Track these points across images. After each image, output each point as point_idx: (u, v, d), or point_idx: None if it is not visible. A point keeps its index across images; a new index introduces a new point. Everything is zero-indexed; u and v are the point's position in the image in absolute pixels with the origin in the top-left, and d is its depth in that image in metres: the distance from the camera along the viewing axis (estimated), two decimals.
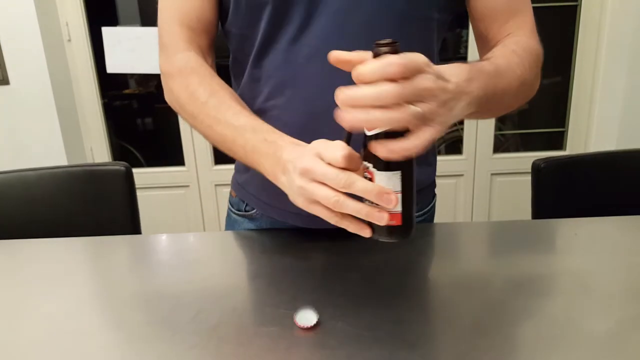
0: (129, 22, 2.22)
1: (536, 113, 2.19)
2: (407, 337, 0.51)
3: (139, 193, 1.03)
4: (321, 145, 0.48)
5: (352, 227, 0.47)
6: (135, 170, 1.03)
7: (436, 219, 0.86)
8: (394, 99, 0.42)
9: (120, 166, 0.99)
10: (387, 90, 0.42)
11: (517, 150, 2.20)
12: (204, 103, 0.61)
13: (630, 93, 1.93)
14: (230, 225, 0.86)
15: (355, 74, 0.44)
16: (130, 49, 1.91)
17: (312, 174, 0.46)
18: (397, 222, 0.47)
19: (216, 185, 2.20)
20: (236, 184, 0.83)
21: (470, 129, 2.10)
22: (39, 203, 1.00)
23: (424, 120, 0.43)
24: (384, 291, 0.60)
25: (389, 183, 0.45)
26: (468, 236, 0.79)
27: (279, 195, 0.74)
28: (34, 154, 1.97)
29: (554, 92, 2.14)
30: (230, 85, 0.78)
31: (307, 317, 0.54)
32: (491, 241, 0.78)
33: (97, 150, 2.21)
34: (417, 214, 0.81)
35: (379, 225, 0.46)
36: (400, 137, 0.44)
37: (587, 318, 0.51)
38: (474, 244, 0.77)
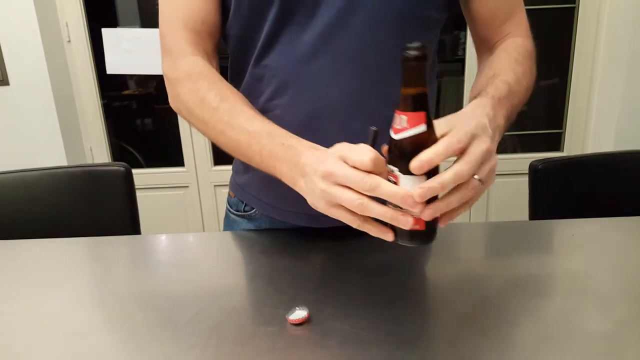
0: (128, 23, 2.22)
1: (534, 114, 2.20)
2: (406, 337, 0.51)
3: (138, 193, 1.03)
4: (345, 148, 0.48)
5: (374, 231, 0.47)
6: (134, 171, 1.03)
7: None
8: (468, 177, 0.45)
9: (119, 167, 0.99)
10: (462, 172, 0.45)
11: (514, 151, 2.20)
12: (216, 108, 0.61)
13: (627, 94, 1.94)
14: (229, 225, 0.86)
15: (426, 162, 0.45)
16: (130, 50, 1.91)
17: (335, 177, 0.46)
18: (420, 226, 0.47)
19: (215, 185, 2.20)
20: (235, 185, 0.83)
21: None
22: (39, 203, 1.00)
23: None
24: (383, 291, 0.60)
25: (413, 187, 0.45)
26: (466, 237, 0.80)
27: (280, 195, 0.75)
28: (34, 155, 1.98)
29: (552, 94, 2.14)
30: None
31: (298, 313, 0.55)
32: (489, 242, 0.79)
33: (97, 150, 2.21)
34: None
35: (402, 230, 0.46)
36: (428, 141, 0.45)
37: (585, 318, 0.51)
38: (472, 244, 0.78)
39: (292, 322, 0.54)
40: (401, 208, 0.45)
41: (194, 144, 2.15)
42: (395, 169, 0.46)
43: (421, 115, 0.45)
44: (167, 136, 2.20)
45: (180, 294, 0.62)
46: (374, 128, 0.49)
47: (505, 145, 2.26)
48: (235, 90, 0.64)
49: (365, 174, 0.45)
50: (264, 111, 0.69)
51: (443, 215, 0.47)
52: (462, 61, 2.04)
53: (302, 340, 0.51)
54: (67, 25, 2.02)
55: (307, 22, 0.63)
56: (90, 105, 2.14)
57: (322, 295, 0.59)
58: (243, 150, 0.59)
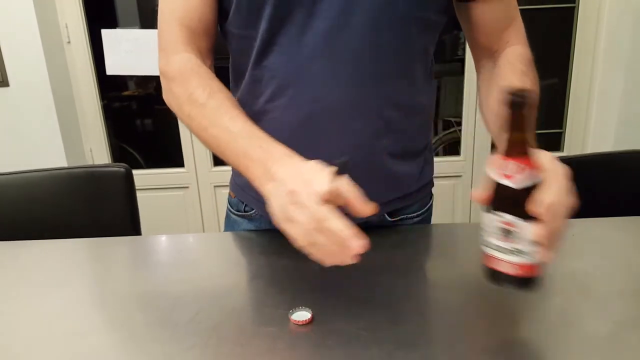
0: (128, 24, 2.22)
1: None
2: (406, 337, 0.51)
3: (138, 194, 1.03)
4: (311, 172, 0.49)
5: (314, 256, 0.49)
6: (134, 172, 1.03)
7: (434, 220, 0.87)
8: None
9: (120, 167, 0.99)
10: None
11: None
12: (202, 105, 0.62)
13: (627, 94, 1.94)
14: (229, 225, 0.86)
15: (560, 206, 0.45)
16: (130, 51, 1.91)
17: (296, 198, 0.48)
18: (532, 273, 0.47)
19: (215, 186, 2.20)
20: (235, 185, 0.83)
21: (468, 130, 2.10)
22: (39, 204, 1.00)
23: None
24: (383, 291, 0.60)
25: (532, 231, 0.45)
26: (466, 237, 0.80)
27: None
28: (34, 156, 1.98)
29: (552, 94, 2.14)
30: (229, 87, 0.78)
31: (302, 314, 0.55)
32: None
33: (97, 151, 2.21)
34: (415, 213, 0.81)
35: (510, 275, 0.47)
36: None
37: (585, 318, 0.51)
38: (472, 244, 0.77)
39: (295, 322, 0.54)
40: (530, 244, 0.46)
41: (193, 145, 2.15)
42: (509, 216, 0.45)
43: (532, 159, 0.45)
44: (167, 137, 2.20)
45: (180, 295, 0.62)
46: (344, 159, 0.50)
47: None
48: (224, 88, 0.65)
49: (320, 205, 0.46)
50: (264, 112, 0.69)
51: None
52: (462, 61, 2.04)
53: (303, 340, 0.51)
54: (66, 27, 2.02)
55: (305, 23, 0.63)
56: (90, 106, 2.14)
57: (323, 296, 0.59)
58: (222, 148, 0.60)
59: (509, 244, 0.46)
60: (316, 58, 0.64)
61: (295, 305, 0.56)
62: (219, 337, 0.52)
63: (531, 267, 0.46)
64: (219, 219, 2.25)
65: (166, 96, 0.69)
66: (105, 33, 1.91)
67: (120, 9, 2.20)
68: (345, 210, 0.73)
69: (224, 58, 0.78)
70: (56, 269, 0.72)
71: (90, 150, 2.20)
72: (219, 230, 1.97)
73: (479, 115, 2.08)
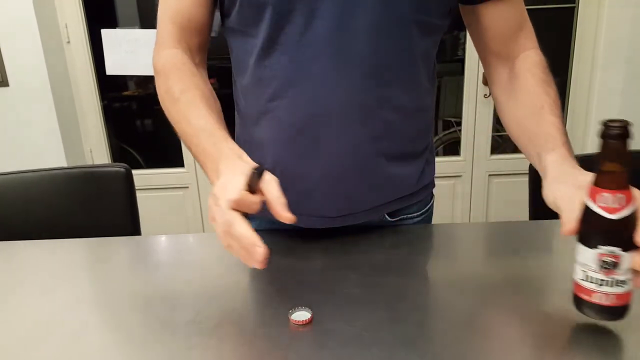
0: (128, 24, 2.22)
1: None
2: (406, 337, 0.51)
3: (138, 194, 1.03)
4: (230, 176, 0.53)
5: (234, 254, 0.52)
6: (134, 172, 1.03)
7: (434, 220, 0.87)
8: None
9: (120, 167, 0.99)
10: None
11: (514, 151, 2.20)
12: (177, 100, 0.65)
13: (627, 94, 1.94)
14: None
15: None
16: (130, 51, 1.91)
17: (217, 201, 0.51)
18: (627, 301, 0.47)
19: None
20: None
21: (468, 130, 2.11)
22: (39, 204, 1.00)
23: None
24: (383, 291, 0.60)
25: (630, 262, 0.45)
26: (466, 237, 0.80)
27: (285, 183, 0.75)
28: (34, 156, 1.98)
29: None
30: (231, 87, 0.78)
31: (301, 314, 0.55)
32: (489, 242, 0.79)
33: (97, 151, 2.21)
34: (415, 214, 0.81)
35: (608, 307, 0.47)
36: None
37: (584, 318, 0.51)
38: (472, 244, 0.78)
39: (295, 322, 0.54)
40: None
41: None
42: (611, 248, 0.45)
43: (629, 189, 0.45)
44: (167, 137, 2.19)
45: (180, 295, 0.62)
46: (260, 167, 0.53)
47: (505, 146, 2.26)
48: (201, 84, 0.67)
49: (228, 211, 0.50)
50: (266, 111, 0.70)
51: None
52: (462, 61, 2.04)
53: (303, 340, 0.51)
54: (66, 27, 2.02)
55: (306, 24, 0.63)
56: (90, 106, 2.14)
57: (323, 296, 0.59)
58: (187, 142, 0.63)
59: (609, 276, 0.46)
60: (317, 59, 0.64)
61: (294, 305, 0.56)
62: (219, 337, 0.53)
63: (627, 295, 0.47)
64: None
65: (157, 89, 0.72)
66: (105, 33, 1.91)
67: (120, 9, 2.21)
68: (349, 212, 0.74)
69: (226, 58, 0.78)
70: (56, 269, 0.72)
71: (90, 151, 2.20)
72: None
73: (478, 115, 2.09)
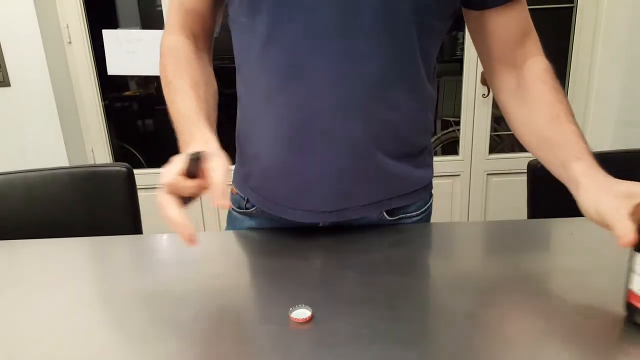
0: (129, 25, 2.22)
1: None
2: (405, 335, 0.51)
3: (139, 193, 1.03)
4: (174, 159, 0.56)
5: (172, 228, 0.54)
6: (135, 171, 1.04)
7: (433, 219, 0.87)
8: None
9: (121, 167, 1.00)
10: None
11: (512, 150, 2.21)
12: (169, 83, 0.69)
13: (625, 94, 1.94)
14: (231, 222, 0.87)
15: None
16: (131, 51, 1.91)
17: (161, 179, 0.55)
18: None
19: None
20: (238, 178, 0.84)
21: (467, 129, 2.11)
22: (41, 204, 1.01)
23: None
24: (382, 290, 0.61)
25: None
26: (464, 236, 0.80)
27: (273, 188, 0.76)
28: (36, 156, 1.98)
29: None
30: (231, 87, 0.79)
31: (301, 312, 0.55)
32: (487, 241, 0.79)
33: (98, 151, 2.21)
34: (414, 213, 0.82)
35: None
36: None
37: (583, 317, 0.52)
38: (470, 243, 0.78)
39: (295, 320, 0.54)
40: None
41: None
42: None
43: None
44: (168, 137, 2.19)
45: (181, 293, 0.62)
46: (195, 156, 0.55)
47: (504, 145, 2.27)
48: (193, 70, 0.70)
49: (162, 193, 0.54)
50: (266, 107, 0.70)
51: None
52: (461, 61, 2.05)
53: (304, 339, 0.52)
54: (67, 27, 2.03)
55: (305, 22, 0.63)
56: (91, 106, 2.14)
57: (323, 294, 0.60)
58: (174, 125, 0.66)
59: None
60: (316, 57, 0.64)
61: (295, 303, 0.57)
62: (220, 335, 0.53)
63: None
64: (220, 217, 2.26)
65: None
66: (106, 33, 1.91)
67: (121, 9, 2.21)
68: (346, 207, 0.75)
69: (226, 58, 0.78)
70: (58, 268, 0.73)
71: (92, 150, 2.20)
72: (220, 229, 1.97)
73: (477, 115, 2.09)
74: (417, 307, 0.57)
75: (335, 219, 0.76)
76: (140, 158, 2.37)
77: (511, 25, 0.70)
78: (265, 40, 0.66)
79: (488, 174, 2.17)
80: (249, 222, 0.83)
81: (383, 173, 0.73)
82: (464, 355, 0.48)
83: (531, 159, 1.02)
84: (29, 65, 1.89)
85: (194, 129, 0.62)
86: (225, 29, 0.77)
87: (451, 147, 2.25)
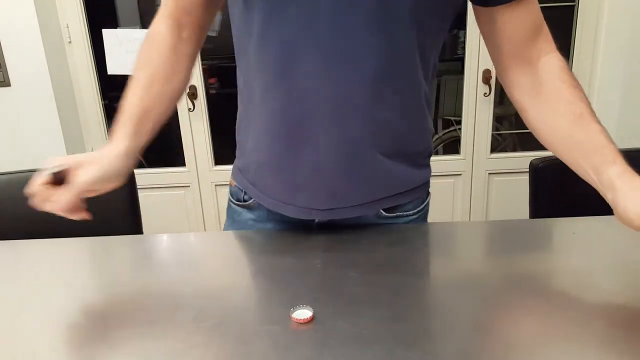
0: (129, 24, 2.22)
1: None
2: (407, 335, 0.51)
3: (139, 193, 1.03)
4: (40, 172, 0.62)
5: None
6: (136, 171, 1.03)
7: (434, 218, 0.87)
8: None
9: None
10: None
11: (514, 149, 2.21)
12: (134, 71, 0.72)
13: (627, 93, 1.94)
14: (230, 215, 0.87)
15: None
16: (131, 51, 1.91)
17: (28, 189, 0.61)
18: None
19: (216, 185, 2.21)
20: (236, 171, 0.84)
21: (468, 129, 2.11)
22: None
23: None
24: (383, 290, 0.61)
25: None
26: (466, 235, 0.80)
27: (269, 184, 0.76)
28: (36, 155, 1.98)
29: None
30: (231, 87, 0.79)
31: (303, 312, 0.55)
32: (489, 240, 0.79)
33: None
34: (412, 211, 0.82)
35: None
36: None
37: (585, 317, 0.52)
38: (472, 243, 0.78)
39: (296, 321, 0.54)
40: None
41: (194, 144, 2.15)
42: None
43: None
44: (168, 136, 2.20)
45: (182, 293, 0.62)
46: (52, 170, 0.62)
47: (505, 144, 2.26)
48: (159, 62, 0.72)
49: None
50: (262, 103, 0.70)
51: None
52: (462, 60, 2.04)
53: (305, 339, 0.52)
54: (67, 27, 2.02)
55: (298, 19, 0.63)
56: (91, 105, 2.15)
57: (324, 294, 0.60)
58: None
59: None
60: (311, 54, 0.64)
61: (296, 303, 0.57)
62: (221, 335, 0.53)
63: None
64: (220, 217, 2.26)
65: None
66: (106, 33, 1.91)
67: (120, 9, 2.21)
68: (340, 206, 0.75)
69: (226, 57, 0.78)
70: (58, 268, 0.73)
71: (92, 150, 2.20)
72: (220, 229, 1.98)
73: (478, 114, 2.09)
74: (419, 307, 0.57)
75: (329, 217, 0.76)
76: (140, 158, 2.37)
77: (522, 21, 0.68)
78: (260, 37, 0.66)
79: (490, 174, 2.17)
80: (247, 215, 0.83)
81: (378, 173, 0.73)
82: (466, 355, 0.48)
83: (533, 158, 1.02)
84: (29, 65, 1.89)
85: (117, 129, 0.68)
86: (227, 28, 0.76)
87: (452, 147, 2.25)
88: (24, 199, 1.03)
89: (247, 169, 0.80)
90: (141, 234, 1.03)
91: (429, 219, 0.87)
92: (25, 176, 1.01)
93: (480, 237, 0.80)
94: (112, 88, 2.23)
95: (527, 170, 1.01)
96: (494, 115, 2.08)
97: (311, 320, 0.54)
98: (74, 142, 2.10)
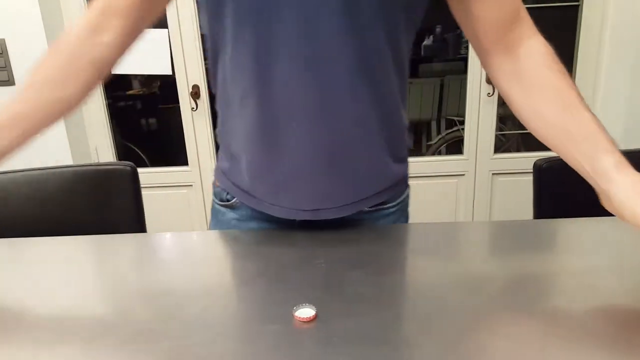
0: None
1: None
2: (410, 335, 0.51)
3: (143, 192, 1.04)
4: None
5: None
6: (139, 170, 1.04)
7: (438, 219, 0.87)
8: None
9: (125, 166, 1.00)
10: None
11: (518, 150, 2.20)
12: (27, 76, 0.70)
13: (633, 93, 1.93)
14: (214, 215, 0.88)
15: None
16: (134, 50, 1.92)
17: None
18: None
19: None
20: (218, 171, 0.84)
21: (471, 129, 2.10)
22: (46, 202, 1.01)
23: None
24: (386, 290, 0.61)
25: None
26: (469, 236, 0.80)
27: (253, 185, 0.76)
28: (40, 154, 1.98)
29: None
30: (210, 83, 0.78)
31: (306, 311, 0.55)
32: (492, 241, 0.79)
33: (102, 150, 2.22)
34: (391, 204, 0.82)
35: None
36: None
37: (588, 318, 0.52)
38: (475, 243, 0.78)
39: (300, 319, 0.54)
40: None
41: (197, 144, 2.15)
42: None
43: None
44: (171, 136, 2.21)
45: (185, 292, 0.62)
46: None
47: (509, 144, 2.26)
48: (57, 66, 0.70)
49: None
50: (238, 108, 0.70)
51: None
52: (465, 60, 2.04)
53: (308, 338, 0.52)
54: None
55: (266, 28, 0.62)
56: (95, 105, 2.15)
57: (327, 294, 0.60)
58: None
59: None
60: (283, 62, 0.63)
61: (299, 302, 0.57)
62: (225, 334, 0.53)
63: None
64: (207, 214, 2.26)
65: None
66: None
67: None
68: (322, 207, 0.75)
69: None
70: (62, 266, 0.73)
71: (96, 149, 2.21)
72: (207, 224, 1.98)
73: (481, 114, 2.09)
74: (422, 307, 0.57)
75: (315, 217, 0.77)
76: (144, 157, 2.38)
77: (498, 6, 0.66)
78: (232, 48, 0.66)
79: (493, 174, 2.16)
80: (230, 214, 0.84)
81: (360, 171, 0.73)
82: (471, 355, 0.48)
83: (537, 158, 1.02)
84: (33, 64, 1.89)
85: None
86: None
87: (456, 147, 2.25)
88: (29, 197, 1.03)
89: (230, 171, 0.81)
90: (145, 232, 1.03)
91: (433, 218, 0.87)
92: (30, 175, 1.02)
93: (484, 238, 0.80)
94: (116, 87, 2.23)
95: (531, 170, 1.01)
96: (497, 115, 2.07)
97: (314, 319, 0.54)
98: (78, 141, 2.10)
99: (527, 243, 0.74)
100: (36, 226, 0.99)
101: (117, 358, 0.50)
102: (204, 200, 2.24)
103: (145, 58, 1.94)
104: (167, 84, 2.08)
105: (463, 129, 2.14)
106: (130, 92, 2.39)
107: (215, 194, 0.87)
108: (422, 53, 2.49)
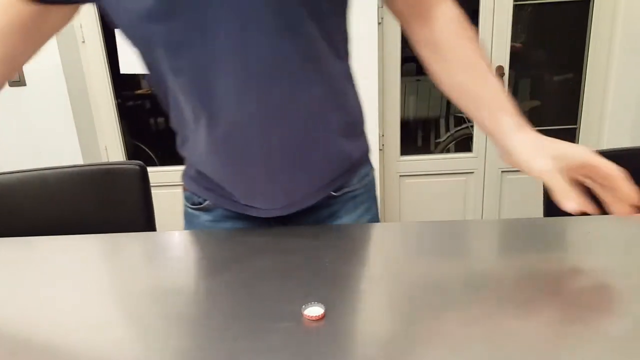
0: None
1: (548, 110, 2.18)
2: (421, 334, 0.51)
3: (152, 191, 1.04)
4: None
5: None
6: (148, 169, 1.05)
7: (446, 217, 0.87)
8: None
9: (135, 165, 1.01)
10: None
11: None
12: None
13: None
14: (188, 219, 0.89)
15: None
16: None
17: None
18: None
19: None
20: (186, 178, 0.86)
21: None
22: (57, 201, 1.02)
23: None
24: (394, 288, 0.60)
25: None
26: (478, 234, 0.80)
27: (224, 190, 0.78)
28: (50, 154, 2.01)
29: (566, 89, 2.12)
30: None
31: (314, 309, 0.55)
32: (502, 239, 0.78)
33: (112, 149, 2.24)
34: (357, 185, 0.83)
35: None
36: None
37: (599, 317, 0.51)
38: (485, 242, 0.77)
39: (309, 317, 0.54)
40: None
41: None
42: None
43: None
44: None
45: (194, 290, 0.63)
46: None
47: None
48: None
49: None
50: (195, 128, 0.71)
51: None
52: None
53: (317, 336, 0.52)
54: (81, 27, 2.05)
55: (202, 48, 0.62)
56: (104, 104, 2.17)
57: (335, 292, 0.60)
58: None
59: None
60: (224, 77, 0.64)
61: (308, 300, 0.57)
62: (234, 332, 0.53)
63: None
64: None
65: None
66: (120, 32, 1.93)
67: None
68: (297, 198, 0.76)
69: None
70: (72, 265, 0.74)
71: (105, 148, 2.23)
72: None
73: None
74: (432, 305, 0.57)
75: (288, 212, 0.79)
76: (153, 156, 2.39)
77: None
78: (172, 74, 0.66)
79: (502, 172, 2.15)
80: (204, 217, 0.85)
81: (316, 161, 0.75)
82: (481, 354, 0.48)
83: None
84: (43, 65, 1.92)
85: None
86: None
87: (465, 144, 2.23)
88: (39, 197, 1.05)
89: (198, 179, 0.82)
90: (154, 230, 1.04)
91: (442, 216, 0.86)
92: (40, 174, 1.03)
93: (493, 236, 0.80)
94: (125, 87, 2.25)
95: None
96: None
97: (323, 317, 0.54)
98: (88, 141, 2.12)
99: (537, 241, 0.73)
100: (47, 225, 1.00)
101: (126, 356, 0.51)
102: None
103: None
104: None
105: (472, 127, 2.12)
106: (139, 91, 2.40)
107: (186, 198, 0.88)
108: None
